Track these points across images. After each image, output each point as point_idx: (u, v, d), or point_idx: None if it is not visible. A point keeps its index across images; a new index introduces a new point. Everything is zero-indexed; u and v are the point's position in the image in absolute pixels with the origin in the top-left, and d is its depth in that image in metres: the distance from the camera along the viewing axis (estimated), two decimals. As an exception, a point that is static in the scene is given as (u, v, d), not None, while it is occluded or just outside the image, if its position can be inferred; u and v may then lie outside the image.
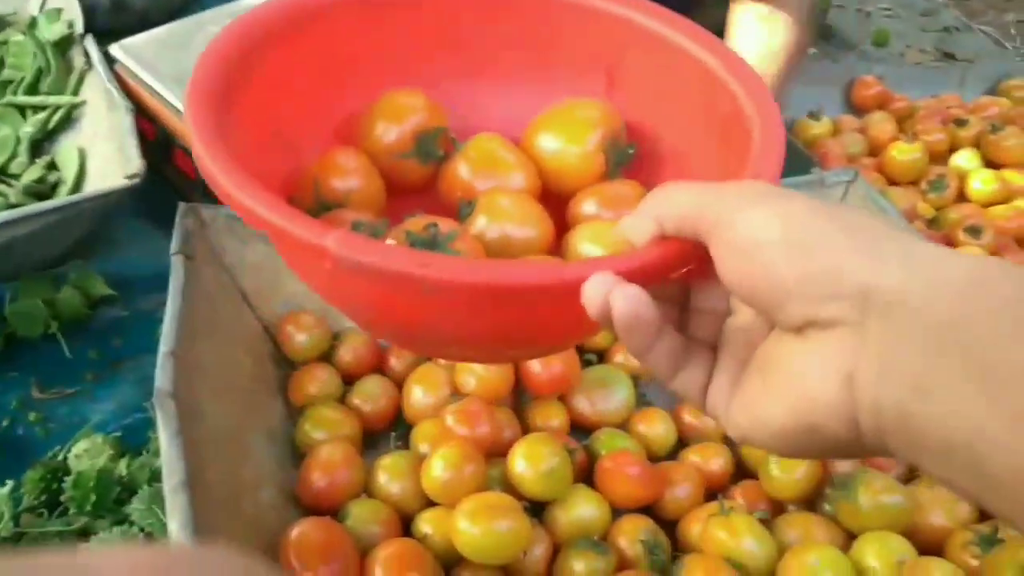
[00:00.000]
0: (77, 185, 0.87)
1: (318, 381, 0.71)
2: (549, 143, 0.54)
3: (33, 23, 1.06)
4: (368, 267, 0.37)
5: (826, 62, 1.46)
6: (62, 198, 0.79)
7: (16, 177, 0.90)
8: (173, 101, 0.91)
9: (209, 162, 0.41)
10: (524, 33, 0.58)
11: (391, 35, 0.57)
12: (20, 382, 0.74)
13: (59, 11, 1.07)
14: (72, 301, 0.77)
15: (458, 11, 0.58)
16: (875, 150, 1.12)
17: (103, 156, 0.88)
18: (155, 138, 0.94)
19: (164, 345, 0.59)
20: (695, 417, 0.73)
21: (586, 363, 0.76)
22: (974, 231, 0.94)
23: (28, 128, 0.95)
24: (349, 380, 0.74)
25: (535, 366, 0.70)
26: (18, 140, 0.94)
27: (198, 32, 1.00)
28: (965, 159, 1.08)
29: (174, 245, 0.67)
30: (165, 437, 0.54)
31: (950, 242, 0.95)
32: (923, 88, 1.27)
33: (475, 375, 0.69)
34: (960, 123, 1.11)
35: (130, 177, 0.74)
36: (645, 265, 0.37)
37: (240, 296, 0.73)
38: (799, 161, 1.02)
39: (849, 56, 1.55)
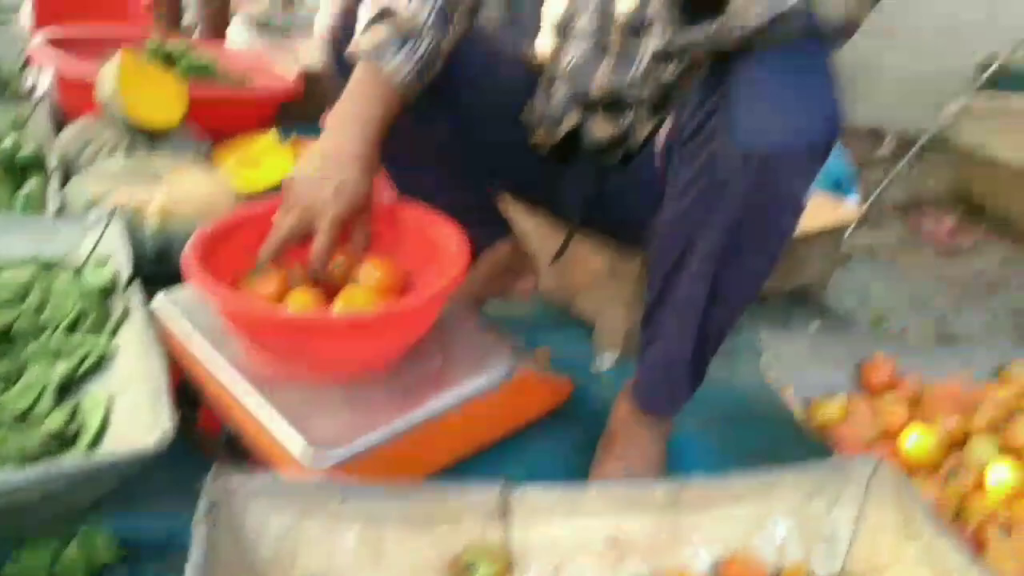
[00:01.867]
0: (98, 436, 0.86)
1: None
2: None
3: (80, 268, 1.11)
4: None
5: (834, 342, 1.51)
6: (87, 458, 0.77)
7: (40, 421, 0.89)
8: (207, 355, 0.93)
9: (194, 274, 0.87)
10: None
11: None
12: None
13: (107, 258, 1.13)
14: (76, 566, 0.73)
15: None
16: (889, 433, 1.13)
17: (131, 406, 0.88)
18: (182, 390, 0.95)
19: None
20: None
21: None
22: (1006, 529, 0.92)
23: (58, 371, 0.95)
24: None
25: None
26: (46, 384, 0.94)
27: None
28: (982, 447, 1.09)
29: (199, 514, 0.65)
30: None
31: (980, 538, 0.93)
32: (929, 369, 1.30)
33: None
34: (972, 410, 1.13)
35: (160, 439, 0.74)
36: None
37: (257, 569, 0.69)
38: (819, 445, 1.02)
39: (851, 334, 1.61)
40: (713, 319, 0.93)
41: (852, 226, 1.84)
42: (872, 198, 2.24)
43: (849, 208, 1.84)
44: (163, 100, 1.57)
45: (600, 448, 1.05)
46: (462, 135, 1.09)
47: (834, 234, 1.65)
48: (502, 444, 1.04)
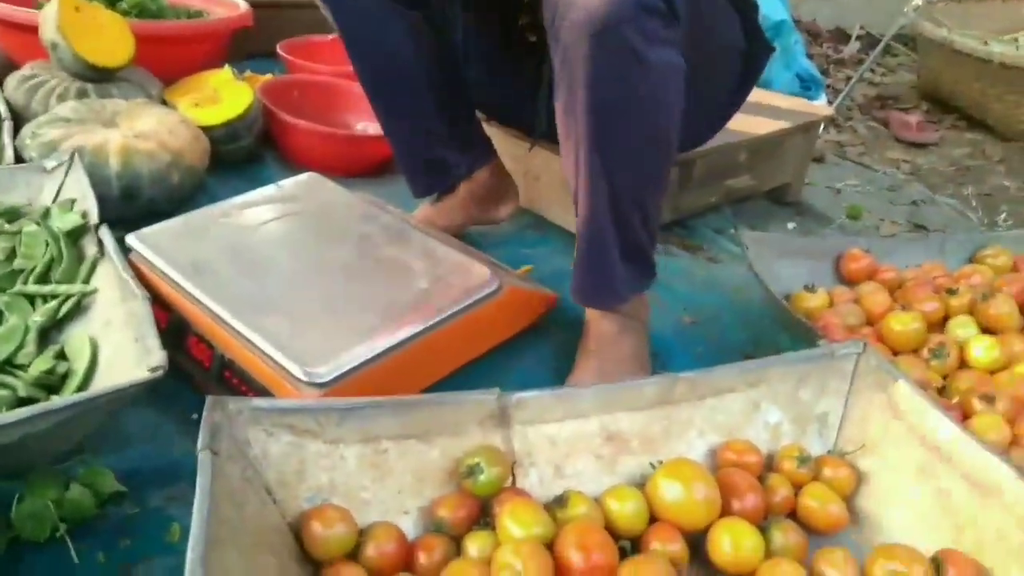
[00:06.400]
0: (88, 376, 0.84)
1: (344, 584, 0.67)
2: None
3: (46, 213, 1.08)
4: None
5: (811, 237, 1.52)
6: (80, 394, 0.76)
7: (23, 368, 0.88)
8: (191, 289, 0.91)
9: None
10: None
11: None
12: (20, 593, 0.69)
13: (72, 201, 1.10)
14: (82, 501, 0.73)
15: None
16: (871, 320, 1.15)
17: (116, 345, 0.86)
18: (168, 326, 0.93)
19: (193, 551, 0.56)
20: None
21: (621, 551, 0.73)
22: (988, 399, 0.95)
23: (37, 317, 0.93)
24: (377, 578, 0.69)
25: (575, 557, 0.67)
26: (27, 330, 0.92)
27: (213, 223, 1.02)
28: (963, 326, 1.11)
29: (201, 441, 0.64)
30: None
31: (965, 410, 0.96)
32: (905, 258, 1.32)
33: (513, 573, 0.66)
34: (951, 292, 1.15)
35: (153, 370, 0.73)
36: None
37: (264, 491, 0.69)
38: (804, 334, 1.04)
39: (827, 230, 1.63)
40: (621, 195, 0.94)
41: (823, 125, 1.83)
42: (841, 97, 2.24)
43: (819, 108, 1.84)
44: (109, 40, 1.50)
45: (577, 352, 1.06)
46: (453, 51, 1.06)
47: (806, 134, 1.64)
48: (493, 356, 1.04)
